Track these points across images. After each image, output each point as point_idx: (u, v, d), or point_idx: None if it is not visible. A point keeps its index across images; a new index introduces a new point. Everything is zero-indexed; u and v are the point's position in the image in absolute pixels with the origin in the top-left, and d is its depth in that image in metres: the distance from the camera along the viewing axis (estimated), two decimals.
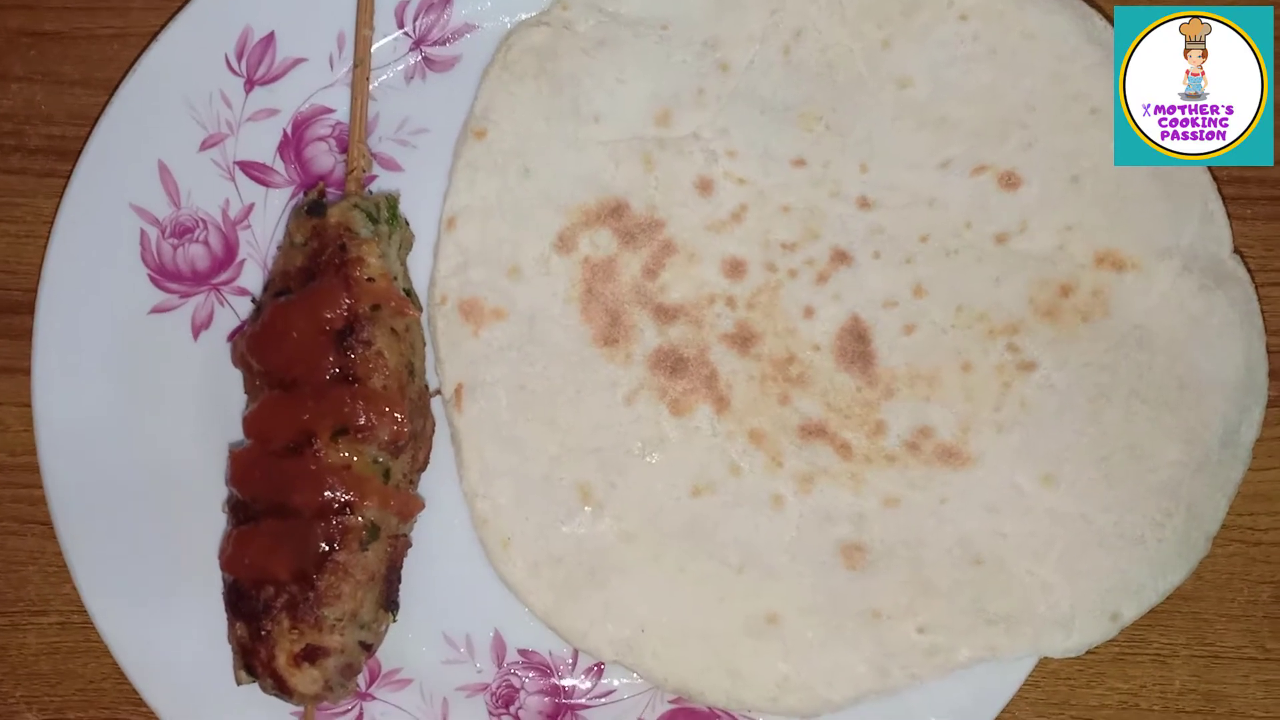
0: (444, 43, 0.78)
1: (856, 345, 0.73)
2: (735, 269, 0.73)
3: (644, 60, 0.73)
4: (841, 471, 0.73)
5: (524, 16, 0.77)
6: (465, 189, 0.75)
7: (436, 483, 0.75)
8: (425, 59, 0.79)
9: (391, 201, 0.75)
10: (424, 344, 0.74)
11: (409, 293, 0.74)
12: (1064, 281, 0.71)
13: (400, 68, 0.78)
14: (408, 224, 0.76)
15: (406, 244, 0.76)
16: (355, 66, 0.76)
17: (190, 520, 0.74)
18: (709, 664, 0.72)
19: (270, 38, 0.77)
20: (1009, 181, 0.70)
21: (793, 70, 0.72)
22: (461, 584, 0.75)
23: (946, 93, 0.70)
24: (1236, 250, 0.71)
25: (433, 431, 0.74)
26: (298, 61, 0.77)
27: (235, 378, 0.74)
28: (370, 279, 0.70)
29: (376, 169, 0.78)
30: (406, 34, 0.78)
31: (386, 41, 0.78)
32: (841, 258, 0.73)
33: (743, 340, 0.73)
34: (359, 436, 0.69)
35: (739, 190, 0.73)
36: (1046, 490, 0.71)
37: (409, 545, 0.73)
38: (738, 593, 0.73)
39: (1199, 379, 0.71)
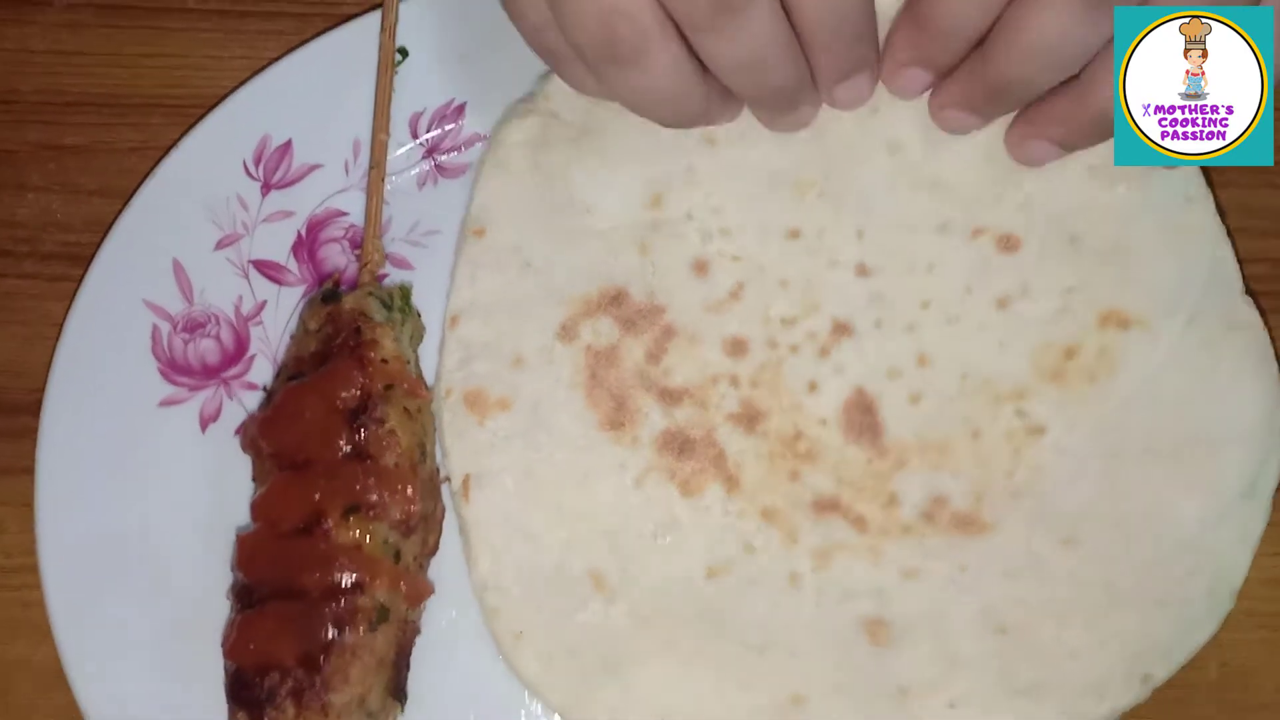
0: (455, 151, 0.81)
1: (863, 417, 0.72)
2: (737, 348, 0.74)
3: (630, 144, 0.74)
4: (859, 545, 0.72)
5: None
6: (467, 286, 0.76)
7: (447, 574, 0.73)
8: (437, 166, 0.81)
9: (405, 292, 0.76)
10: (434, 429, 0.74)
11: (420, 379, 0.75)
12: (1069, 344, 0.71)
13: (413, 173, 0.81)
14: (419, 315, 0.77)
15: (418, 335, 0.76)
16: (372, 168, 0.78)
17: (195, 619, 0.72)
18: None
19: (288, 145, 0.80)
20: (1007, 244, 0.72)
21: (781, 139, 0.73)
22: (473, 676, 0.73)
23: (939, 155, 0.71)
24: (1248, 290, 0.72)
25: (443, 517, 0.73)
26: (314, 167, 0.80)
27: (243, 470, 0.73)
28: (384, 360, 0.71)
29: (388, 267, 0.79)
30: (420, 143, 0.81)
31: (401, 151, 0.81)
32: (843, 329, 0.73)
33: (749, 419, 0.73)
34: (370, 514, 0.68)
35: (735, 268, 0.74)
36: (1066, 554, 0.71)
37: (418, 632, 0.71)
38: (760, 675, 0.70)
39: (1213, 432, 0.71)
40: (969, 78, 0.68)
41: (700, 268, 0.74)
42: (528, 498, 0.73)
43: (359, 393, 0.70)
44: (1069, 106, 0.66)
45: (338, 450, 0.69)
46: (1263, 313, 0.73)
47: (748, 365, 0.74)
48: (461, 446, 0.73)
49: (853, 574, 0.71)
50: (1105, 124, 0.63)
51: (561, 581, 0.72)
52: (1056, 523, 0.71)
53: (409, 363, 0.73)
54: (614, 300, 0.74)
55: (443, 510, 0.73)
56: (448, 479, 0.74)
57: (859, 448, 0.72)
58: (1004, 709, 0.69)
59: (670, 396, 0.73)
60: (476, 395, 0.74)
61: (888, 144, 0.73)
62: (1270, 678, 0.77)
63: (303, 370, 0.72)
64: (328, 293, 0.74)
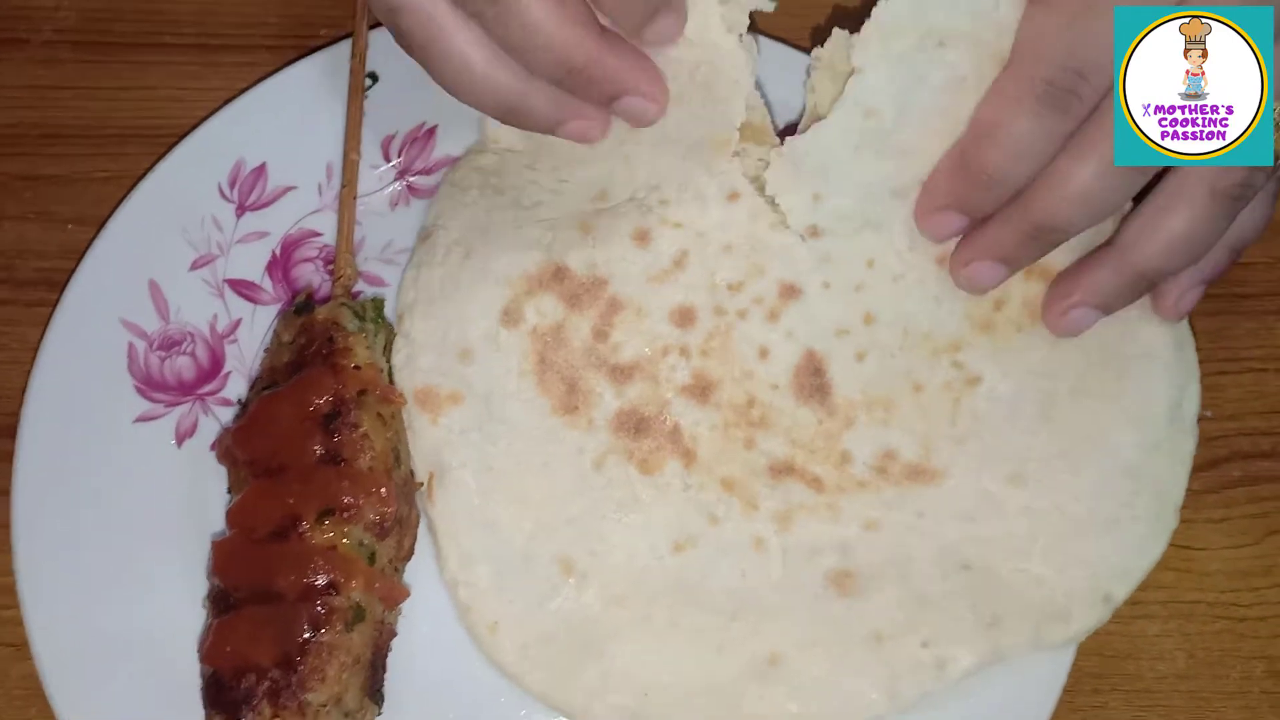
0: (427, 172, 0.83)
1: (813, 379, 0.74)
2: (685, 317, 0.74)
3: (580, 156, 0.76)
4: (817, 504, 0.73)
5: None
6: (410, 286, 0.78)
7: (422, 578, 0.74)
8: (409, 187, 0.83)
9: (377, 304, 0.77)
10: (407, 436, 0.75)
11: None
12: (997, 296, 0.74)
13: (386, 193, 0.83)
14: (392, 328, 0.78)
15: (391, 347, 0.77)
16: (343, 186, 0.80)
17: (173, 631, 0.72)
18: (718, 717, 0.70)
19: (262, 168, 0.81)
20: None
21: (711, 104, 0.74)
22: (450, 679, 0.73)
23: (910, 121, 0.71)
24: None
25: (417, 522, 0.74)
26: (288, 189, 0.82)
27: (219, 484, 0.74)
28: (357, 367, 0.72)
29: (362, 284, 0.81)
30: (393, 165, 0.83)
31: (374, 172, 0.83)
32: (790, 292, 0.74)
33: (701, 390, 0.74)
34: (345, 516, 0.68)
35: (677, 235, 0.75)
36: (1016, 490, 0.72)
37: (393, 634, 0.71)
38: (735, 639, 0.71)
39: (1133, 367, 0.73)
40: (1002, 226, 0.70)
41: (641, 237, 0.75)
42: (490, 491, 0.73)
43: (332, 399, 0.70)
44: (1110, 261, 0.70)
45: (312, 455, 0.70)
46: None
47: (696, 334, 0.74)
48: (419, 447, 0.74)
49: (815, 532, 0.72)
50: (1146, 282, 0.70)
51: (531, 570, 0.72)
52: (1002, 463, 0.73)
53: (382, 371, 0.74)
54: (555, 276, 0.75)
55: (418, 515, 0.74)
56: (421, 484, 0.74)
57: (809, 409, 0.74)
58: (976, 642, 0.70)
59: (621, 374, 0.74)
60: (426, 393, 0.74)
61: (864, 109, 0.72)
62: (1235, 667, 0.78)
63: (277, 380, 0.73)
64: (301, 304, 0.75)
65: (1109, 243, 0.70)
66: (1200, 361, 0.76)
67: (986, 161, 0.68)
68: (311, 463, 0.70)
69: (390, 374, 0.76)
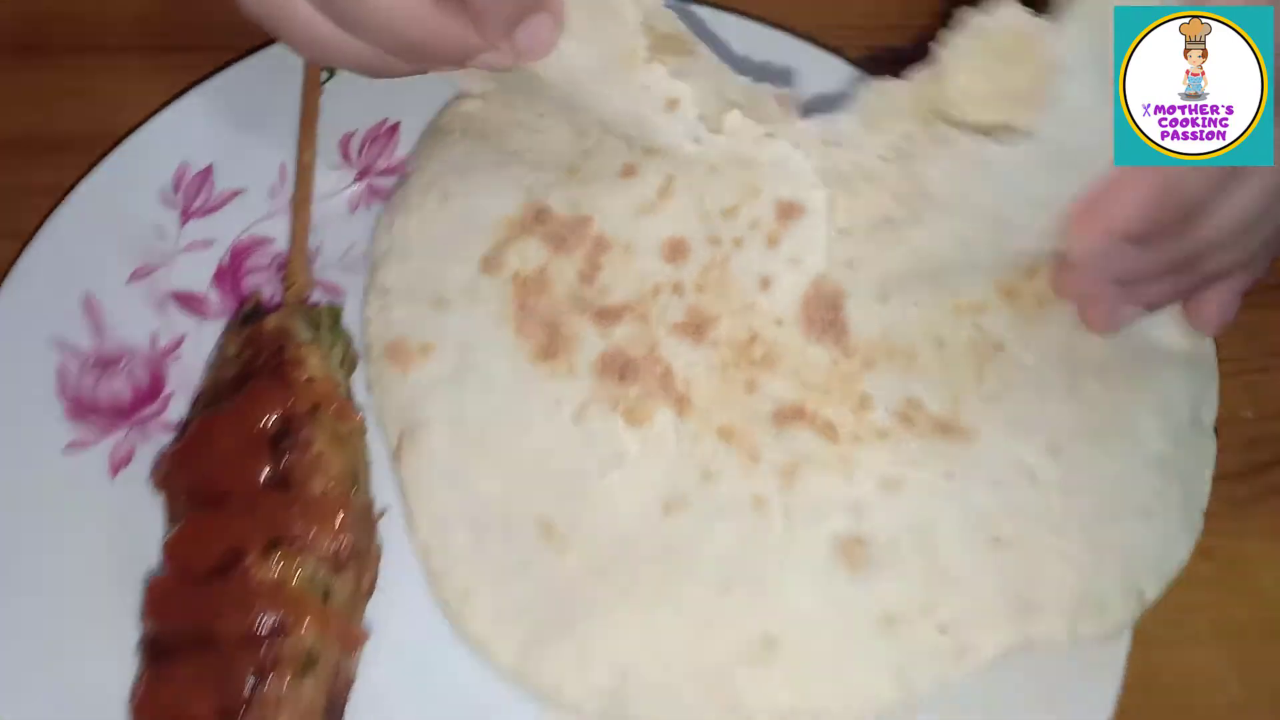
0: (390, 172, 0.76)
1: (827, 314, 0.64)
2: (676, 250, 0.66)
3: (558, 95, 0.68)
4: (829, 456, 0.63)
5: None
6: (384, 234, 0.71)
7: (387, 616, 0.65)
8: (371, 188, 0.76)
9: (334, 312, 0.70)
10: (368, 459, 0.67)
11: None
12: (1030, 264, 0.66)
13: (345, 196, 0.76)
14: (351, 342, 0.70)
15: (350, 362, 0.70)
16: (297, 188, 0.73)
17: (103, 681, 0.64)
18: (703, 704, 0.61)
19: (208, 171, 0.74)
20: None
21: None
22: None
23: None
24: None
25: (379, 556, 0.65)
26: (237, 193, 0.74)
27: (159, 518, 0.66)
28: (310, 379, 0.64)
29: (320, 294, 0.73)
30: (352, 166, 0.76)
31: (332, 173, 0.76)
32: (790, 210, 0.65)
33: (696, 327, 0.65)
34: (296, 548, 0.60)
35: (661, 163, 0.67)
36: (1053, 464, 0.64)
37: (351, 683, 0.63)
38: (727, 616, 0.62)
39: (1155, 355, 0.67)
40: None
41: (628, 171, 0.67)
42: (463, 448, 0.65)
43: (282, 415, 0.63)
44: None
45: (259, 479, 0.62)
46: None
47: (690, 268, 0.65)
48: (390, 404, 0.66)
49: (824, 490, 0.63)
50: (1198, 270, 0.64)
51: (508, 533, 0.64)
52: (1036, 432, 0.64)
53: (339, 385, 0.66)
54: (537, 218, 0.68)
55: (379, 549, 0.66)
56: (383, 512, 0.66)
57: (822, 347, 0.64)
58: (1003, 628, 0.61)
59: (608, 316, 0.66)
60: (398, 346, 0.67)
61: None
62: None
63: (221, 397, 0.65)
64: (248, 313, 0.68)
65: None
66: (1239, 359, 0.71)
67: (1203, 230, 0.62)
68: (258, 488, 0.62)
69: (349, 390, 0.68)
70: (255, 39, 0.80)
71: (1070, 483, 0.64)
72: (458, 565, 0.64)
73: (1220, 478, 0.69)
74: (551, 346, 0.66)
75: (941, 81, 0.60)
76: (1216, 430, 0.69)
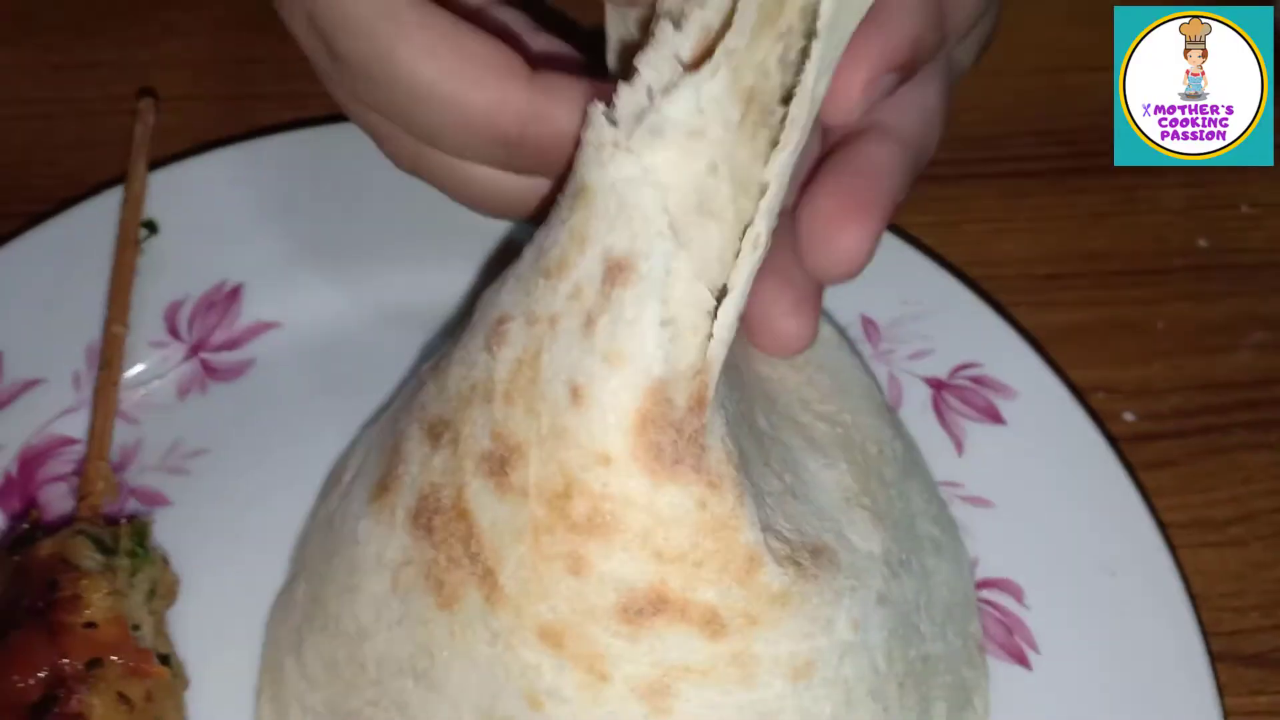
0: (230, 346, 0.61)
1: (674, 436, 0.42)
2: (497, 328, 0.45)
3: None
4: (714, 658, 0.42)
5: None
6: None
7: None
8: (206, 366, 0.61)
9: (139, 529, 0.53)
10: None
11: (165, 658, 0.51)
12: None
13: (172, 378, 0.61)
14: (168, 564, 0.54)
15: (166, 592, 0.53)
16: (101, 369, 0.58)
17: None
18: None
19: None
20: None
21: None
22: None
23: None
24: None
25: None
26: (31, 384, 0.59)
27: None
28: (91, 625, 0.47)
29: (136, 505, 0.57)
30: (181, 341, 0.61)
31: (155, 351, 0.61)
32: (618, 273, 0.42)
33: (501, 462, 0.43)
34: None
35: None
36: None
37: None
38: None
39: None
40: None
41: None
42: (310, 621, 0.51)
43: (46, 676, 0.46)
44: None
45: None
46: None
47: (504, 362, 0.44)
48: None
49: (718, 710, 0.43)
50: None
51: None
52: None
53: (137, 628, 0.49)
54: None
55: None
56: None
57: (678, 488, 0.41)
58: None
59: (435, 432, 0.46)
60: None
61: None
62: None
63: None
64: (20, 536, 0.52)
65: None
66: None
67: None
68: None
69: (164, 637, 0.52)
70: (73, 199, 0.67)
71: None
72: None
73: None
74: (386, 477, 0.47)
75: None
76: None
